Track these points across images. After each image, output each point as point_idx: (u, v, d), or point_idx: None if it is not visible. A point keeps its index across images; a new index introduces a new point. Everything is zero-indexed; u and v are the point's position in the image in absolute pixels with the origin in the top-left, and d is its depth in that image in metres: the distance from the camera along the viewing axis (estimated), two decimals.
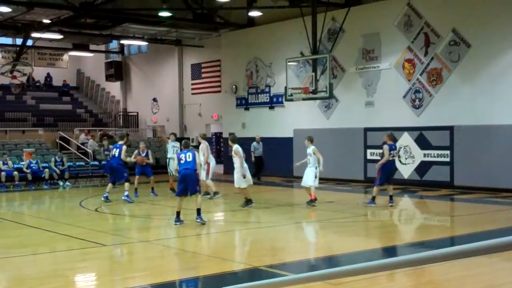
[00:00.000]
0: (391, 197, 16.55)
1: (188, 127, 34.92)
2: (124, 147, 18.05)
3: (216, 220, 16.03)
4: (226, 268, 9.57)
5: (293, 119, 26.97)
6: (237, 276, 9.09)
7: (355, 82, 24.63)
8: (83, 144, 31.24)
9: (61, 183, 24.97)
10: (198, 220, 13.61)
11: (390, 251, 10.99)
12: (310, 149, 16.90)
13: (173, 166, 19.36)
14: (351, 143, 24.39)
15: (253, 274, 9.23)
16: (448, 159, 21.36)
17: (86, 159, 29.48)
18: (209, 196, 18.62)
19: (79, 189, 23.49)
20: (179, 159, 13.91)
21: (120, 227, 14.74)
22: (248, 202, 16.57)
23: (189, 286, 8.76)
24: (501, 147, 19.81)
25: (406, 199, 19.69)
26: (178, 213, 13.76)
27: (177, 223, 13.64)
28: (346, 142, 24.47)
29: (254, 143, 25.41)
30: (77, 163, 29.01)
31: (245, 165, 16.77)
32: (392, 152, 16.60)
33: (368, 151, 23.97)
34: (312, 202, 16.67)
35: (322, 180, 23.87)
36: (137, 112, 38.17)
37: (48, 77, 40.48)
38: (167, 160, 20.85)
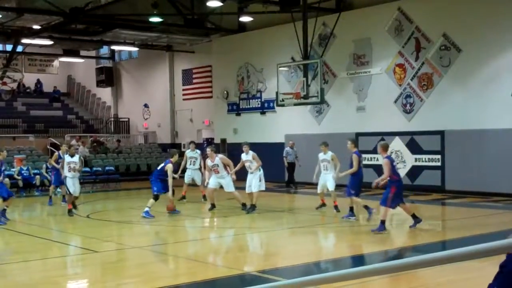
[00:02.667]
0: (351, 209, 15.52)
1: (179, 133, 34.89)
2: (170, 165, 16.70)
3: (208, 226, 16.00)
4: (219, 274, 9.56)
5: (285, 124, 26.99)
6: (230, 282, 9.08)
7: (346, 87, 24.68)
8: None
9: (57, 191, 24.81)
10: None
11: (381, 256, 11.00)
12: (328, 155, 16.44)
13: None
14: (343, 148, 24.30)
15: (246, 279, 9.22)
16: (439, 164, 21.43)
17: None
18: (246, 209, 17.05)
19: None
20: None
21: (112, 234, 14.70)
22: (252, 207, 16.76)
23: None
24: (492, 152, 19.89)
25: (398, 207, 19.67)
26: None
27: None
28: (338, 147, 24.30)
29: (287, 148, 24.65)
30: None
31: (261, 170, 17.03)
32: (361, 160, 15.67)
33: None
34: (336, 208, 16.46)
35: (312, 185, 23.97)
36: (128, 118, 38.11)
37: (39, 83, 40.39)
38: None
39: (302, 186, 24.34)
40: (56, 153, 20.43)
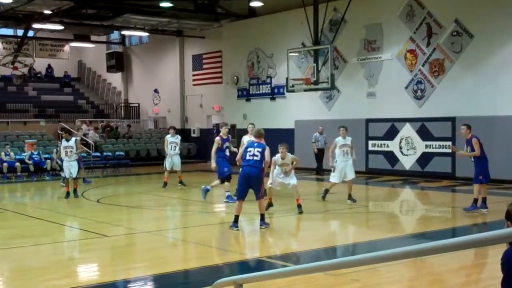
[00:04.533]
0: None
1: (189, 119, 34.91)
2: (217, 138, 16.04)
3: (218, 211, 16.04)
4: (228, 259, 9.59)
5: (295, 110, 26.94)
6: (239, 267, 9.11)
7: (357, 73, 24.59)
8: (85, 135, 31.24)
9: (62, 174, 24.95)
10: (262, 227, 11.99)
11: (390, 242, 10.99)
12: (348, 140, 15.60)
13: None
14: (353, 134, 24.23)
15: (255, 265, 9.24)
16: (450, 150, 21.34)
17: (88, 150, 29.48)
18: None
19: (81, 180, 23.44)
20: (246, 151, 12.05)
21: (122, 218, 14.77)
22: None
23: (191, 277, 8.77)
24: (503, 138, 19.78)
25: (407, 190, 19.69)
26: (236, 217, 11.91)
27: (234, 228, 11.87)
28: (348, 133, 24.38)
29: (316, 134, 23.76)
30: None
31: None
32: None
33: (370, 142, 23.96)
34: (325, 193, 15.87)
35: (322, 171, 23.94)
36: (138, 103, 38.15)
37: (49, 68, 40.44)
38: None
39: (310, 172, 24.32)
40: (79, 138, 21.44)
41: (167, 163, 20.23)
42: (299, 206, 13.92)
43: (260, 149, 11.80)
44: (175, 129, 21.38)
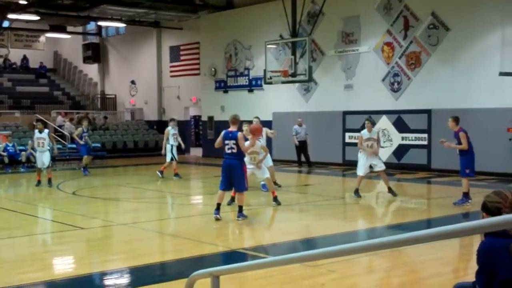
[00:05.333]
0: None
1: (166, 110, 34.78)
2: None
3: (195, 203, 16.01)
4: (205, 251, 9.58)
5: (272, 102, 26.96)
6: (216, 259, 9.10)
7: (334, 65, 24.65)
8: (60, 126, 31.00)
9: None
10: (239, 219, 12.03)
11: (367, 234, 11.07)
12: (374, 133, 15.21)
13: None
14: (330, 127, 24.46)
15: (232, 256, 9.25)
16: (425, 142, 21.53)
17: (64, 142, 29.26)
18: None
19: (56, 172, 23.26)
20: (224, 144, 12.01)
21: (98, 210, 14.68)
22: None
23: (167, 269, 8.75)
24: (478, 131, 19.88)
25: (383, 182, 19.78)
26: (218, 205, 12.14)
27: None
28: (325, 126, 24.53)
29: (296, 126, 23.78)
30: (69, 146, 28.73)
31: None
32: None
33: (347, 134, 24.06)
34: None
35: (294, 163, 23.99)
36: (115, 95, 37.92)
37: (25, 59, 40.05)
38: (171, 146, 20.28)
39: (288, 164, 24.39)
40: (80, 128, 21.93)
41: (171, 155, 20.12)
42: (275, 198, 13.94)
43: (235, 141, 11.82)
44: (175, 120, 21.24)
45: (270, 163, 15.99)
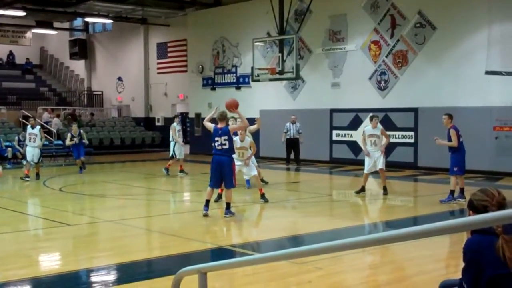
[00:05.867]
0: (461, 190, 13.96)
1: (153, 107, 34.71)
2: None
3: (183, 200, 15.99)
4: (192, 248, 9.57)
5: (260, 99, 26.95)
6: (203, 256, 9.11)
7: (322, 63, 24.69)
8: (46, 123, 30.83)
9: (24, 162, 24.61)
10: (227, 215, 12.10)
11: (354, 231, 11.10)
12: (378, 129, 15.13)
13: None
14: (317, 124, 24.49)
15: (219, 253, 9.25)
16: (412, 140, 21.62)
17: (50, 138, 29.10)
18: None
19: (43, 169, 23.14)
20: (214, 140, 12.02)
21: (85, 207, 14.64)
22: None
23: (154, 266, 8.74)
24: (465, 129, 19.87)
25: (371, 180, 19.78)
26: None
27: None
28: (312, 123, 24.55)
29: (288, 124, 23.22)
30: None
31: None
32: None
33: (334, 132, 24.12)
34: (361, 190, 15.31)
35: (283, 161, 23.94)
36: (102, 91, 37.78)
37: (11, 55, 39.81)
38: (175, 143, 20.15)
39: (276, 161, 24.42)
40: (69, 134, 22.02)
41: (178, 152, 20.00)
42: (262, 195, 13.96)
43: (226, 137, 11.87)
44: (179, 117, 21.14)
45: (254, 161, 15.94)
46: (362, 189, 15.37)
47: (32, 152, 18.96)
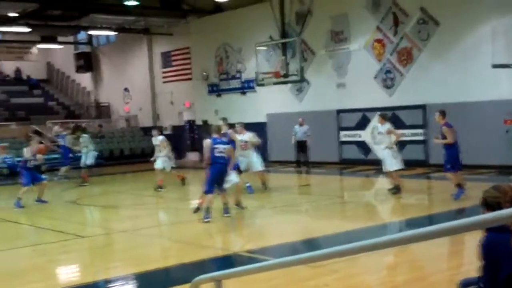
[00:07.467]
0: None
1: (161, 116, 34.78)
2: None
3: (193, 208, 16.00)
4: (206, 255, 9.60)
5: (266, 103, 26.96)
6: (218, 263, 9.13)
7: (326, 65, 24.67)
8: (57, 136, 30.88)
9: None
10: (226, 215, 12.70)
11: (368, 232, 11.08)
12: (384, 127, 15.03)
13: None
14: (325, 126, 24.46)
15: (234, 259, 9.27)
16: (422, 138, 21.54)
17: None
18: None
19: (56, 182, 23.23)
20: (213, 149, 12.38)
21: (98, 218, 14.69)
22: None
23: (170, 274, 8.78)
24: (474, 124, 19.96)
25: (382, 179, 19.80)
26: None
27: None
28: (320, 125, 24.51)
29: (295, 126, 23.13)
30: (52, 156, 28.63)
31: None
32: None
33: (342, 133, 24.08)
34: (393, 189, 14.96)
35: (292, 164, 23.89)
36: (109, 103, 37.90)
37: (18, 70, 40.00)
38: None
39: (285, 165, 24.41)
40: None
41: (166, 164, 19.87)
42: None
43: (225, 146, 12.47)
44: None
45: (260, 167, 16.24)
46: (396, 188, 14.96)
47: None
